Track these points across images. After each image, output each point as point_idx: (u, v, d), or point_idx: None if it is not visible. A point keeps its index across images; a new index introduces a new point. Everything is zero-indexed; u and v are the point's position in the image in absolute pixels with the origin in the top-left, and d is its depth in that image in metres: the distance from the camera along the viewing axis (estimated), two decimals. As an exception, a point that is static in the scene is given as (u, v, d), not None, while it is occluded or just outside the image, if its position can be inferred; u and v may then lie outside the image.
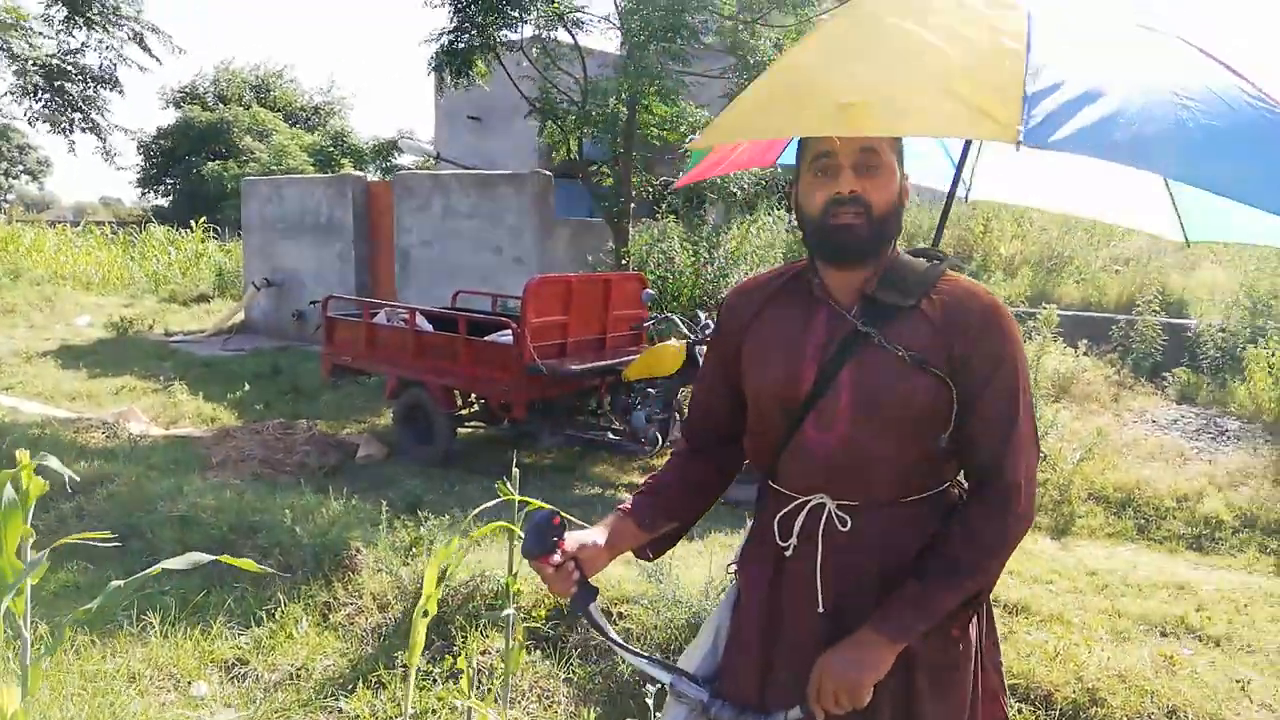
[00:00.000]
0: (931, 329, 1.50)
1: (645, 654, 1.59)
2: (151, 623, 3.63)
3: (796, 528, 1.56)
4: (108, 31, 7.50)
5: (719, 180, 10.28)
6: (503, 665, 3.44)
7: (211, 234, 20.54)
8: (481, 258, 9.83)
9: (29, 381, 9.04)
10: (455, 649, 3.55)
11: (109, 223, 28.92)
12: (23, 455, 1.93)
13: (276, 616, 3.80)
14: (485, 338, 6.30)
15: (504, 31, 8.99)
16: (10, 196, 40.05)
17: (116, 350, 10.90)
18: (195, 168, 26.74)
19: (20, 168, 38.66)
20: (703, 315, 5.97)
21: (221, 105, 29.42)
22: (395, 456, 6.70)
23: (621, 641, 1.57)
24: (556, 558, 1.52)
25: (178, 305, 15.16)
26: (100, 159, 9.38)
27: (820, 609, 1.53)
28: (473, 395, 6.75)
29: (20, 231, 19.64)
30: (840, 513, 1.54)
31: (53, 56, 7.32)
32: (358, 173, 11.37)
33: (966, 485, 1.60)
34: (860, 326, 1.52)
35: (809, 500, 1.56)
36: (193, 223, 21.02)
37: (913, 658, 1.50)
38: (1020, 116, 1.36)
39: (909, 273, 1.55)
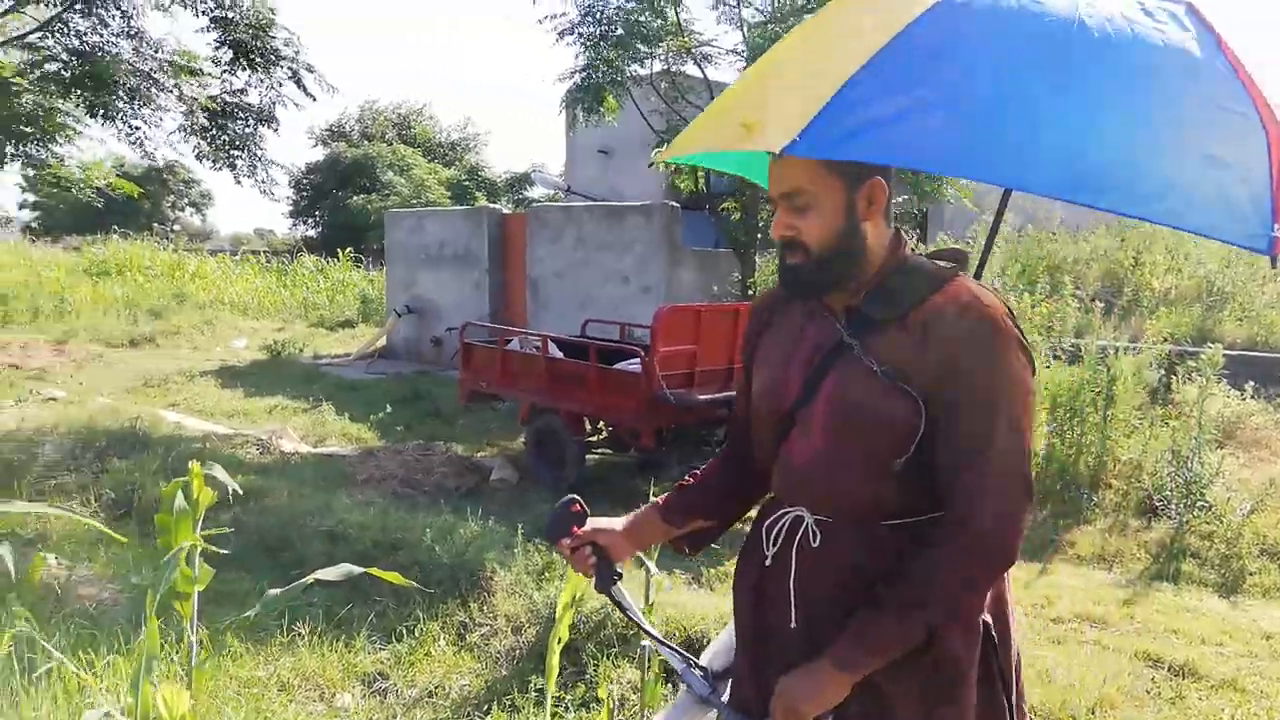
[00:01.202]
0: (911, 343, 1.42)
1: (665, 640, 1.62)
2: (301, 633, 3.77)
3: (774, 537, 1.54)
4: (269, 72, 8.03)
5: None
6: (635, 696, 3.43)
7: (356, 263, 21.63)
8: (610, 287, 9.97)
9: (192, 399, 9.66)
10: (587, 676, 3.55)
11: (263, 252, 30.86)
12: (195, 465, 2.04)
13: (416, 633, 3.90)
14: (614, 366, 6.35)
15: (633, 67, 9.16)
16: (176, 227, 43.29)
17: (270, 371, 11.54)
18: (342, 201, 28.27)
19: (185, 200, 41.78)
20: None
21: (366, 142, 31.05)
22: (527, 481, 6.82)
23: (646, 624, 1.63)
24: (567, 541, 1.61)
25: (325, 330, 15.97)
26: (257, 192, 10.24)
27: (792, 624, 1.49)
28: (602, 422, 6.82)
29: (186, 260, 21.15)
30: (815, 527, 1.49)
31: (215, 98, 7.90)
32: (493, 205, 11.73)
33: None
34: (845, 338, 1.47)
35: (790, 511, 1.53)
36: (339, 252, 22.23)
37: (891, 690, 1.42)
38: (800, 125, 1.25)
39: (904, 283, 1.48)
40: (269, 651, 3.67)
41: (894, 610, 1.37)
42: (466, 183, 28.61)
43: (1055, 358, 7.60)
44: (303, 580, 2.21)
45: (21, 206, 41.64)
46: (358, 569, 2.24)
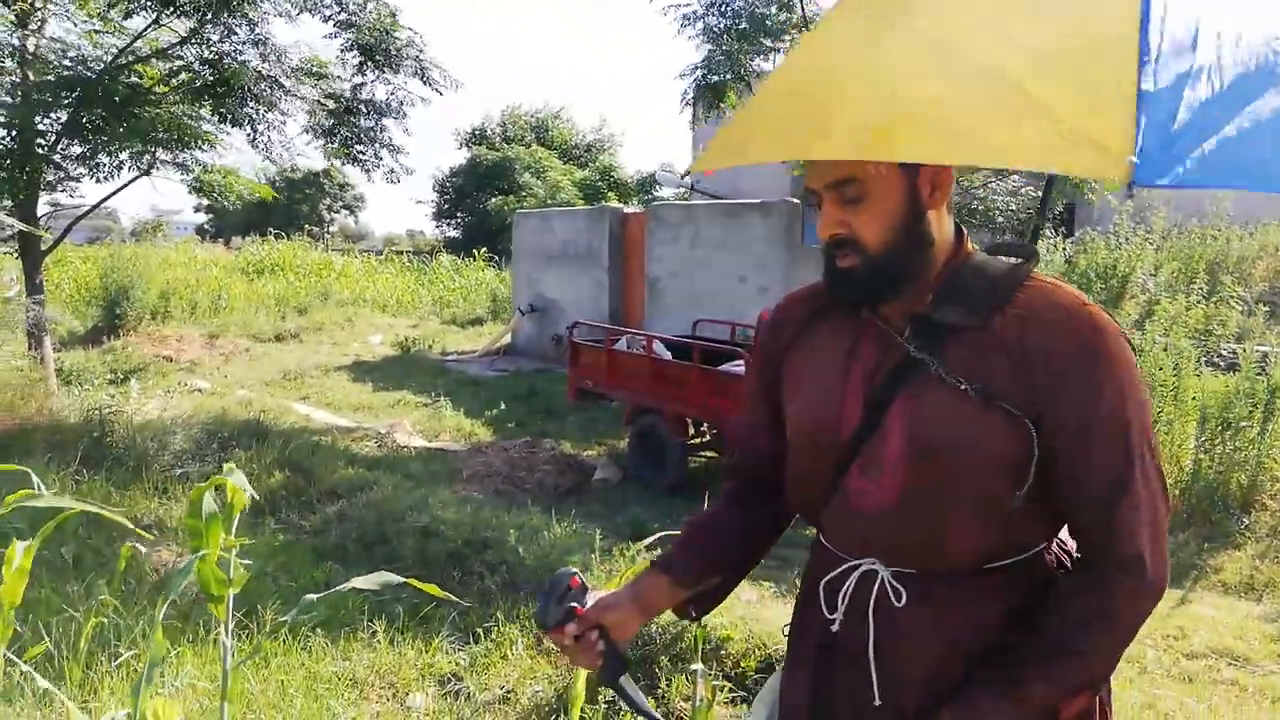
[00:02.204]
0: (1005, 354, 1.17)
1: None
2: (378, 630, 3.80)
3: (843, 598, 1.27)
4: (394, 71, 8.28)
5: (981, 206, 9.59)
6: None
7: (490, 262, 22.23)
8: (728, 286, 9.79)
9: (323, 392, 10.10)
10: (659, 691, 3.42)
11: (407, 252, 32.20)
12: (229, 467, 2.04)
13: (493, 636, 3.87)
14: (720, 367, 6.20)
15: (756, 60, 8.94)
16: (332, 229, 45.77)
17: (399, 367, 11.95)
18: (481, 202, 29.11)
19: (340, 203, 44.15)
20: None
21: (506, 145, 31.88)
22: (629, 480, 6.75)
23: (656, 717, 1.34)
24: (572, 628, 1.32)
25: (456, 327, 16.45)
26: (386, 182, 10.61)
27: (876, 702, 1.23)
28: (705, 425, 6.67)
29: (332, 259, 22.27)
30: (896, 583, 1.22)
31: (338, 96, 8.22)
32: (615, 205, 11.75)
33: (1071, 550, 1.25)
34: (913, 352, 1.21)
35: (858, 565, 1.26)
36: (475, 252, 22.90)
37: None
38: (1132, 140, 0.96)
39: (980, 281, 1.22)
40: (349, 647, 3.72)
41: (1040, 664, 1.14)
42: (599, 183, 28.92)
43: (1210, 365, 6.93)
44: (341, 587, 2.17)
45: (196, 210, 45.10)
46: (396, 578, 2.18)
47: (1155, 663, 3.88)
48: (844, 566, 1.28)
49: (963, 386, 1.16)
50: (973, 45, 1.12)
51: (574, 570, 1.36)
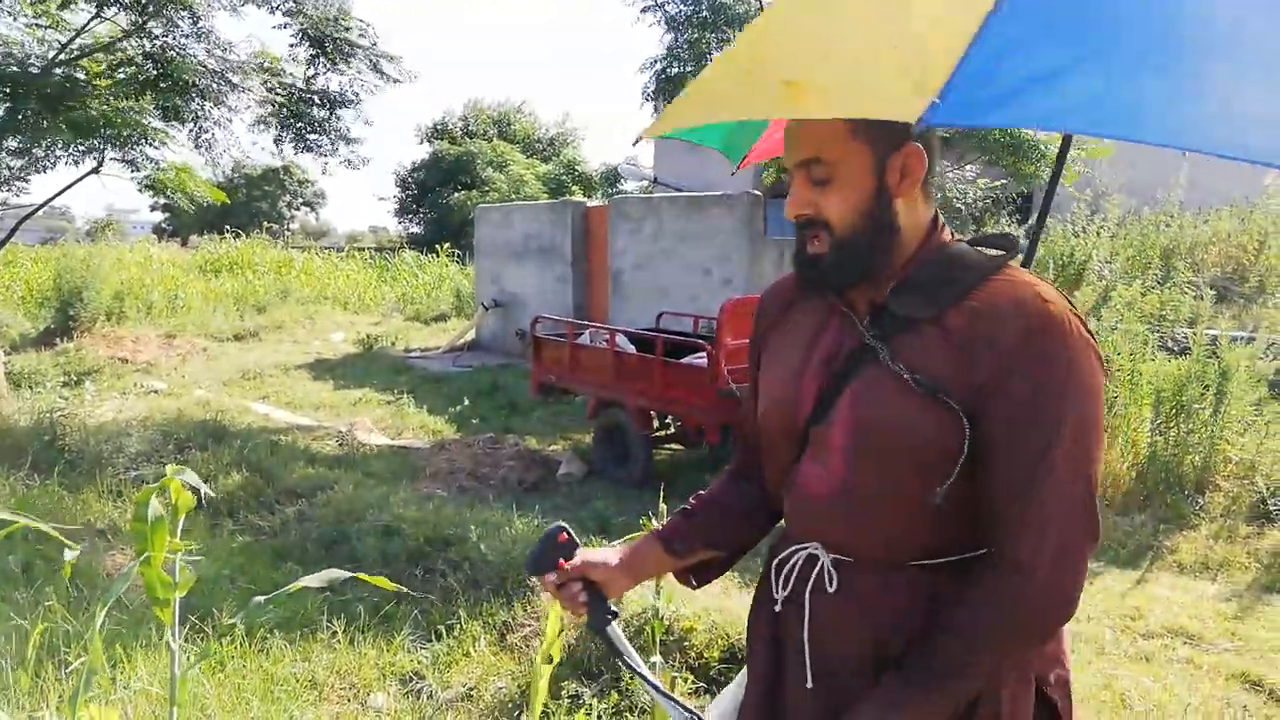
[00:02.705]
0: (951, 347, 1.16)
1: (664, 690, 1.40)
2: (338, 631, 3.75)
3: (785, 580, 1.30)
4: (346, 63, 8.17)
5: (940, 195, 9.67)
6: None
7: (455, 258, 22.05)
8: (691, 279, 9.79)
9: (283, 391, 9.96)
10: (622, 685, 3.41)
11: (369, 249, 31.86)
12: (173, 469, 1.98)
13: (455, 633, 3.84)
14: (683, 360, 6.19)
15: (716, 52, 8.93)
16: (293, 226, 45.15)
17: (361, 364, 11.82)
18: (443, 197, 28.90)
19: (300, 200, 43.55)
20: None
21: (468, 139, 31.64)
22: (594, 475, 6.73)
23: (644, 670, 1.39)
24: (551, 577, 1.41)
25: (420, 324, 16.30)
26: (345, 168, 10.53)
27: (808, 684, 1.25)
28: (670, 417, 6.67)
29: (293, 256, 21.97)
30: (832, 569, 1.24)
31: (289, 88, 8.11)
32: (578, 199, 11.70)
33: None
34: (867, 340, 1.22)
35: (804, 548, 1.29)
36: (438, 248, 22.70)
37: None
38: (939, 87, 0.99)
39: (946, 272, 1.21)
40: (309, 648, 3.67)
41: (927, 676, 1.14)
42: (563, 177, 28.83)
43: (1164, 349, 7.05)
44: (288, 587, 2.13)
45: (153, 209, 44.25)
46: (343, 574, 2.15)
47: (1112, 644, 3.94)
48: (791, 548, 1.31)
49: (906, 377, 1.16)
50: (860, 14, 1.19)
51: (564, 525, 1.43)
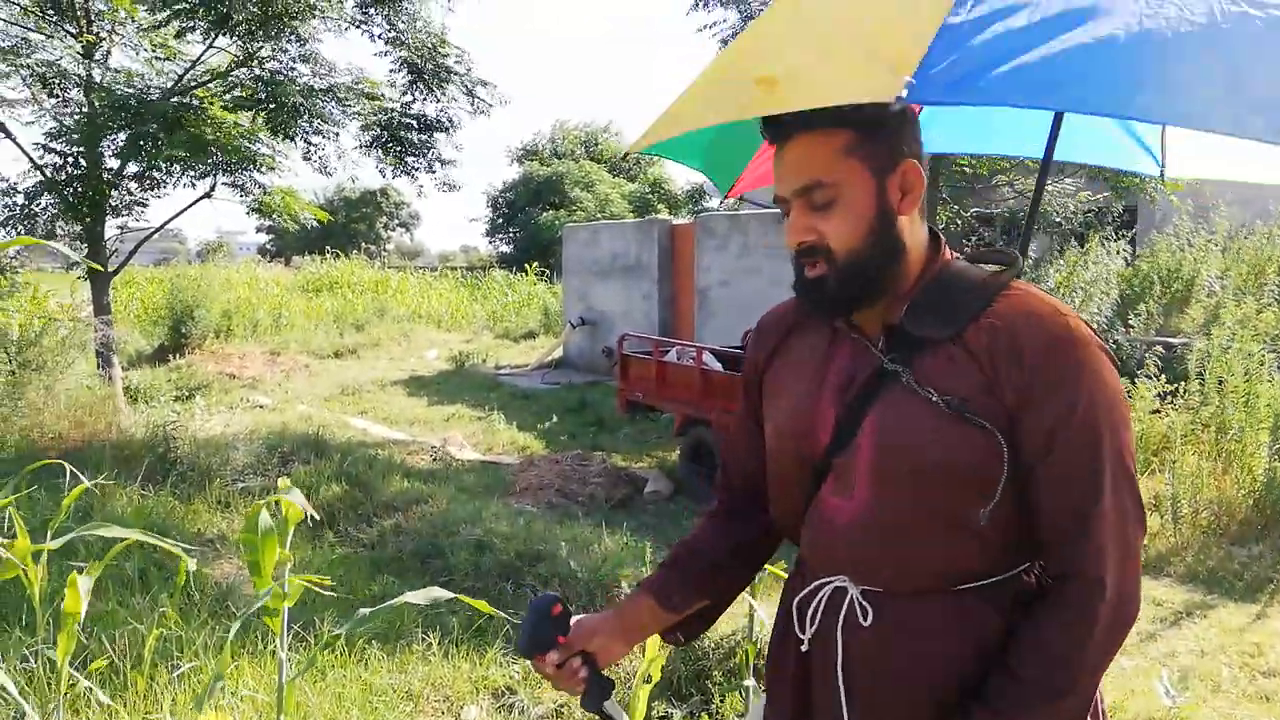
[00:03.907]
0: (976, 365, 1.13)
1: None
2: (432, 643, 3.82)
3: (813, 617, 1.24)
4: (443, 90, 8.44)
5: (1043, 209, 9.39)
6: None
7: (543, 277, 22.42)
8: (777, 295, 9.58)
9: (380, 406, 10.26)
10: (712, 708, 3.38)
11: (461, 268, 32.64)
12: (284, 483, 2.07)
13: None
14: (772, 378, 6.14)
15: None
16: (389, 246, 46.57)
17: (453, 381, 12.10)
18: (532, 217, 29.40)
19: (396, 221, 44.92)
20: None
21: (556, 160, 32.16)
22: (680, 493, 6.72)
23: None
24: (554, 655, 1.30)
25: (509, 341, 16.61)
26: (439, 191, 10.86)
27: None
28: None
29: (389, 276, 22.65)
30: (864, 601, 1.19)
31: (389, 112, 8.42)
32: (663, 217, 11.77)
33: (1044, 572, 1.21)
34: (886, 364, 1.18)
35: (830, 582, 1.23)
36: (527, 266, 23.12)
37: None
38: (913, 66, 0.98)
39: (956, 290, 1.19)
40: (405, 659, 3.75)
41: (1016, 705, 1.10)
42: (649, 196, 29.03)
43: (1282, 370, 6.69)
44: (393, 601, 2.19)
45: (258, 231, 46.28)
46: (446, 594, 2.19)
47: (1230, 681, 3.73)
48: (815, 583, 1.26)
49: (934, 399, 1.14)
50: (835, 6, 1.23)
51: (556, 596, 1.34)
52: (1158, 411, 6.34)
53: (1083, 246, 8.94)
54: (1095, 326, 1.14)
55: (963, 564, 1.17)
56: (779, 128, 1.19)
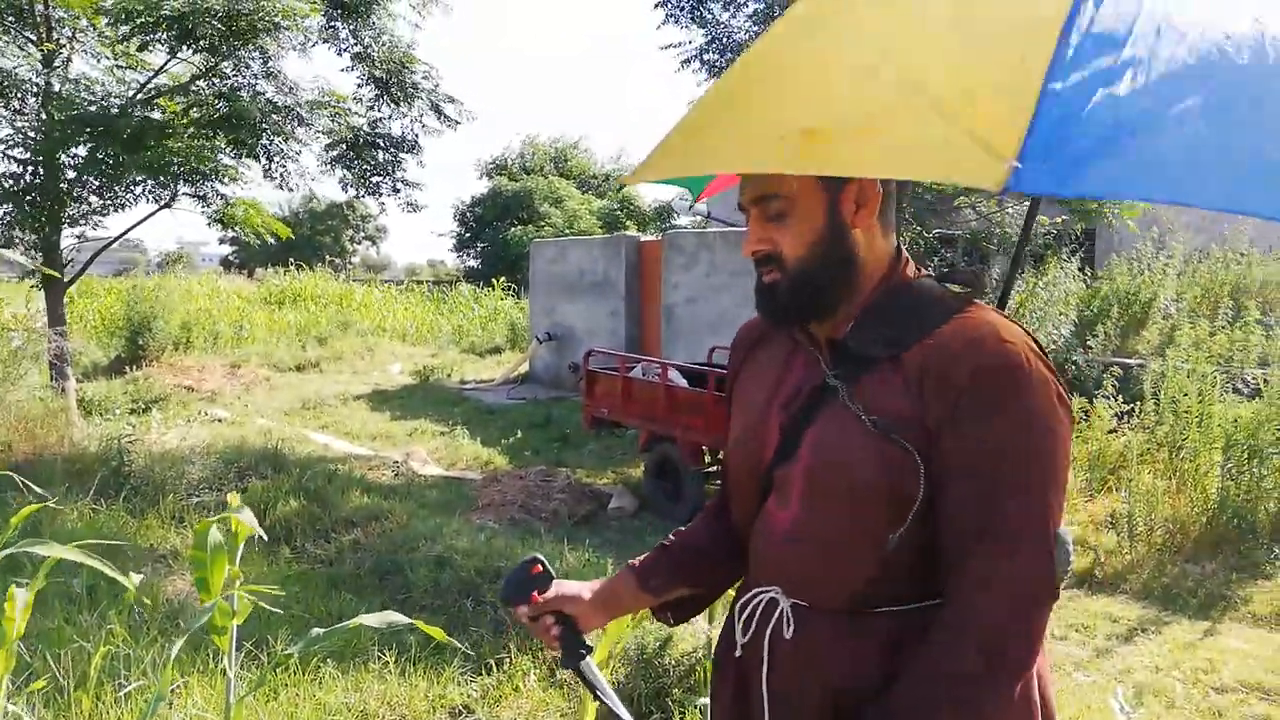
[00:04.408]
0: (906, 386, 1.13)
1: None
2: (389, 662, 3.77)
3: (745, 625, 1.27)
4: (410, 105, 8.41)
5: (1002, 232, 9.55)
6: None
7: (510, 292, 22.34)
8: (744, 313, 9.69)
9: (341, 421, 10.14)
10: (671, 724, 3.36)
11: (427, 282, 32.43)
12: (233, 499, 2.03)
13: (505, 667, 3.83)
14: (736, 395, 6.16)
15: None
16: (354, 259, 46.21)
17: (418, 395, 11.99)
18: (501, 232, 29.32)
19: (362, 234, 44.60)
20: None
21: (525, 175, 32.14)
22: (645, 509, 6.70)
23: (620, 708, 1.37)
24: (525, 609, 1.40)
25: (475, 356, 16.51)
26: (403, 212, 10.73)
27: None
28: (721, 452, 6.63)
29: (354, 289, 22.45)
30: (790, 614, 1.21)
31: (356, 129, 8.37)
32: (631, 233, 11.80)
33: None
34: (828, 378, 1.20)
35: (765, 592, 1.26)
36: (494, 281, 23.02)
37: None
38: (1016, 146, 0.85)
39: (907, 308, 1.19)
40: (360, 678, 3.69)
41: None
42: (618, 213, 29.08)
43: (1234, 391, 6.83)
44: (347, 624, 2.15)
45: (221, 242, 45.71)
46: (403, 619, 2.16)
47: (1184, 698, 3.78)
48: (752, 592, 1.28)
49: (863, 418, 1.14)
50: (892, 49, 1.07)
51: (538, 557, 1.42)
52: (1114, 431, 6.44)
53: (1039, 269, 9.10)
54: (1049, 356, 1.14)
55: (882, 586, 1.16)
56: None
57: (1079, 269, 8.97)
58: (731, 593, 1.44)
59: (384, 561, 5.07)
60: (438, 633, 2.06)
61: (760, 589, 1.27)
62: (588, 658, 1.38)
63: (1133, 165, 0.90)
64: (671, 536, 1.49)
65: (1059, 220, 9.67)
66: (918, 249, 9.25)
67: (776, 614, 1.23)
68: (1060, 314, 8.15)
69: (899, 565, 1.15)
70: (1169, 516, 5.44)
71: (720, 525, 1.46)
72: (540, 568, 1.41)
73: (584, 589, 1.42)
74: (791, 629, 1.21)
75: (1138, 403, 6.46)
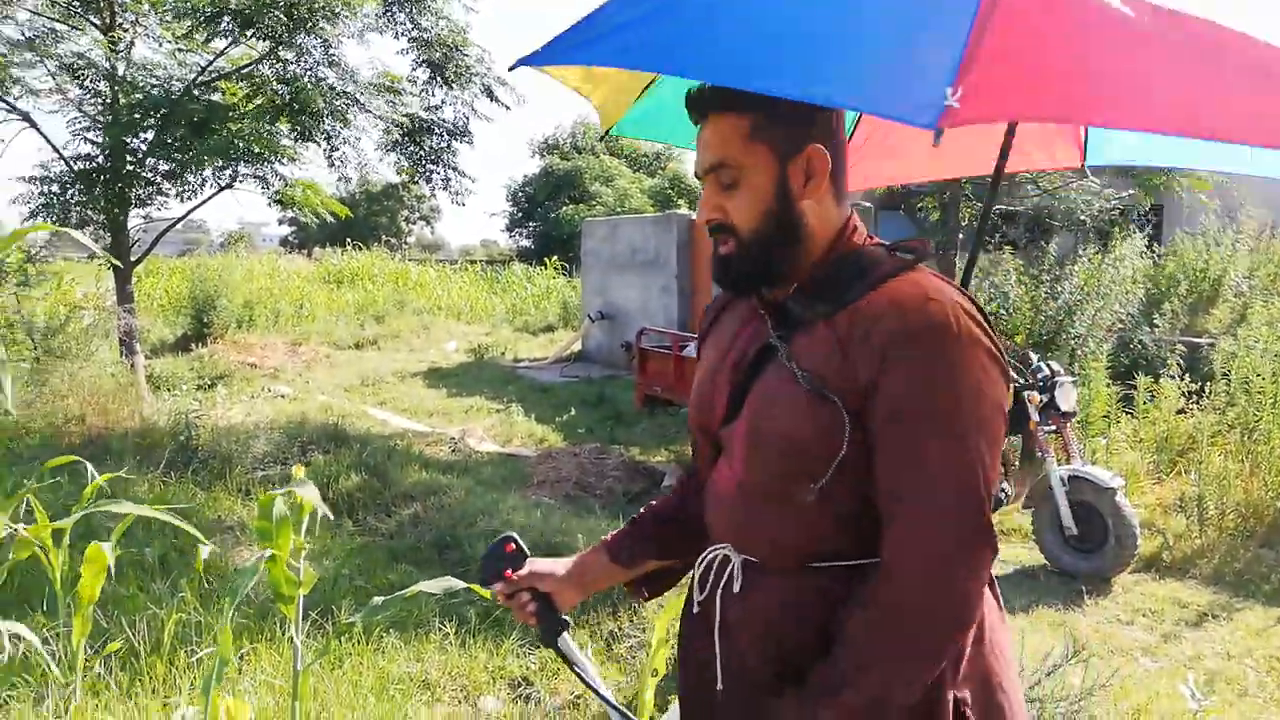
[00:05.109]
0: (838, 344, 1.16)
1: (614, 702, 1.41)
2: (449, 633, 3.83)
3: (701, 581, 1.30)
4: (463, 88, 8.43)
5: (1066, 207, 9.30)
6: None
7: (562, 271, 22.44)
8: (799, 292, 9.67)
9: (399, 398, 10.29)
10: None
11: (481, 261, 32.71)
12: (297, 471, 2.06)
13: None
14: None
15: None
16: (410, 239, 46.77)
17: (472, 373, 12.12)
18: (552, 211, 29.44)
19: (417, 215, 45.10)
20: (1034, 357, 5.32)
21: (576, 154, 32.17)
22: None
23: (598, 683, 1.41)
24: (500, 586, 1.42)
25: (528, 335, 16.63)
26: (452, 203, 10.81)
27: (718, 685, 1.24)
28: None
29: (409, 269, 22.73)
30: (740, 569, 1.23)
31: (411, 115, 8.42)
32: (683, 211, 11.74)
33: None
34: (771, 339, 1.22)
35: (719, 550, 1.30)
36: (546, 260, 23.14)
37: None
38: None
39: (847, 273, 1.20)
40: (422, 648, 3.75)
41: (823, 691, 1.11)
42: (668, 191, 28.97)
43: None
44: (406, 591, 2.19)
45: (280, 223, 46.60)
46: (459, 583, 2.19)
47: (1257, 686, 3.68)
48: (708, 550, 1.31)
49: (797, 374, 1.17)
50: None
51: (511, 536, 1.45)
52: (1183, 412, 6.26)
53: (1106, 245, 8.85)
54: (981, 319, 1.15)
55: (815, 541, 1.19)
56: (698, 108, 1.24)
57: (1141, 245, 8.70)
58: None
59: (442, 535, 5.14)
60: (488, 594, 2.08)
61: (714, 547, 1.31)
62: (565, 634, 1.41)
63: (626, 43, 1.19)
64: (643, 510, 1.53)
65: (1125, 194, 9.39)
66: (976, 225, 9.06)
67: (728, 571, 1.26)
68: (1126, 292, 7.92)
69: (838, 520, 1.18)
70: (1241, 500, 5.28)
71: (692, 494, 1.48)
72: (514, 546, 1.43)
73: (557, 565, 1.45)
74: (739, 584, 1.24)
75: (1207, 383, 6.26)
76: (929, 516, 1.10)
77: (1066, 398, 4.98)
